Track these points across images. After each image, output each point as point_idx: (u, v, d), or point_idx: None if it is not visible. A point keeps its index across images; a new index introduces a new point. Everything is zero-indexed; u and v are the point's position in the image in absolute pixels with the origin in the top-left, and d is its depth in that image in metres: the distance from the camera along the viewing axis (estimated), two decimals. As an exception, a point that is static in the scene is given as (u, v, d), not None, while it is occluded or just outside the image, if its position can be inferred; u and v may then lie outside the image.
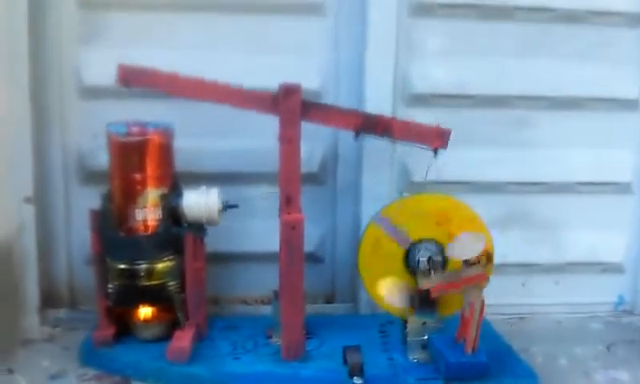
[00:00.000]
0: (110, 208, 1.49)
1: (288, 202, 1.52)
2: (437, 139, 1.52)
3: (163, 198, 1.49)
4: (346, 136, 1.77)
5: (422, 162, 1.69)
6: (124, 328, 1.58)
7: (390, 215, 1.52)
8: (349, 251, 1.87)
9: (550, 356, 1.69)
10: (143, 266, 1.49)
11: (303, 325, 1.48)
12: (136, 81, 1.47)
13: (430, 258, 1.47)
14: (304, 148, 1.50)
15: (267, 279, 1.80)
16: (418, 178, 1.76)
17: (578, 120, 1.83)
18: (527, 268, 1.90)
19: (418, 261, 1.48)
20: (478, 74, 1.77)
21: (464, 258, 1.39)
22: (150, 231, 1.49)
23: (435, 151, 1.53)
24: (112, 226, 1.49)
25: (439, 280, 1.42)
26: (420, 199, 1.58)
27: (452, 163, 1.66)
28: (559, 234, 1.89)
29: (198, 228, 1.53)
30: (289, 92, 1.46)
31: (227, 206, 1.55)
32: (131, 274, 1.49)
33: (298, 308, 1.46)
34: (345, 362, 1.45)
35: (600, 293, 1.93)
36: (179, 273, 1.54)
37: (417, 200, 1.59)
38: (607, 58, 1.80)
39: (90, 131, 1.71)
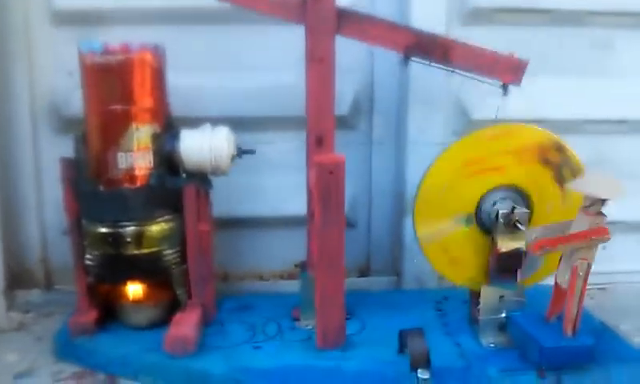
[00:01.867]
0: (85, 154, 1.13)
1: (320, 143, 1.16)
2: (509, 72, 1.17)
3: (155, 138, 1.13)
4: (384, 68, 1.43)
5: (482, 97, 1.34)
6: (109, 312, 1.23)
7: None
8: (390, 213, 1.51)
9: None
10: (130, 229, 1.13)
11: (344, 303, 1.12)
12: None
13: (513, 209, 1.11)
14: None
15: (288, 249, 1.48)
16: (479, 116, 1.39)
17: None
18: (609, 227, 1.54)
19: (497, 214, 1.12)
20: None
21: (595, 197, 1.01)
22: (138, 183, 1.13)
23: (505, 87, 1.18)
24: (89, 178, 1.13)
25: (541, 233, 1.05)
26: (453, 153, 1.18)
27: (521, 96, 1.29)
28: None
29: (202, 179, 1.17)
30: (320, -6, 1.09)
31: (242, 152, 1.19)
32: (115, 240, 1.13)
33: (338, 281, 1.10)
34: (401, 349, 1.10)
35: None
36: (178, 238, 1.18)
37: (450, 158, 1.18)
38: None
39: (64, 67, 1.34)
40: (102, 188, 1.12)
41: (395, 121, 1.47)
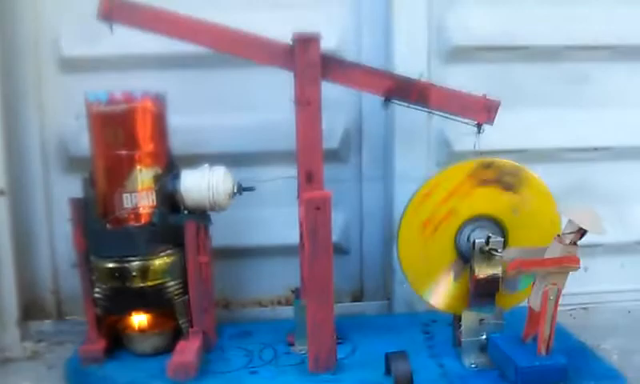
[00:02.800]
0: (92, 194, 1.22)
1: (309, 179, 1.25)
2: (483, 112, 1.26)
3: (157, 179, 1.22)
4: (372, 105, 1.51)
5: (464, 129, 1.43)
6: (117, 341, 1.31)
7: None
8: (379, 241, 1.60)
9: (626, 351, 1.42)
10: (136, 264, 1.22)
11: (334, 329, 1.20)
12: (122, 15, 1.18)
13: (488, 238, 1.19)
14: (322, 120, 1.24)
15: (285, 276, 1.58)
16: (460, 148, 1.48)
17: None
18: (590, 250, 1.61)
19: (474, 242, 1.20)
20: (528, 22, 1.48)
21: (584, 228, 1.10)
22: (142, 221, 1.22)
23: (479, 126, 1.27)
24: (96, 217, 1.22)
25: (517, 255, 1.14)
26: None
27: (500, 128, 1.37)
28: (624, 207, 1.61)
29: (201, 215, 1.26)
30: (307, 42, 1.19)
31: (242, 189, 1.28)
32: (122, 275, 1.22)
33: (327, 308, 1.18)
34: (388, 371, 1.17)
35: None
36: (180, 271, 1.27)
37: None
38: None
39: (72, 110, 1.44)
40: (108, 226, 1.21)
41: (382, 154, 1.56)
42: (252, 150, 1.52)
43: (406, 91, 1.24)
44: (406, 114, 1.45)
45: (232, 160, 1.42)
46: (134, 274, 1.22)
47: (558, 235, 1.12)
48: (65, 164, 1.52)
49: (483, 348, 1.24)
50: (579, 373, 1.17)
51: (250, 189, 1.30)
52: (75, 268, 1.41)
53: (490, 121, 1.26)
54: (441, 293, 1.28)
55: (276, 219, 1.55)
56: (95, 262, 1.24)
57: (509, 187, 1.24)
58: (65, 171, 1.53)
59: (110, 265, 1.23)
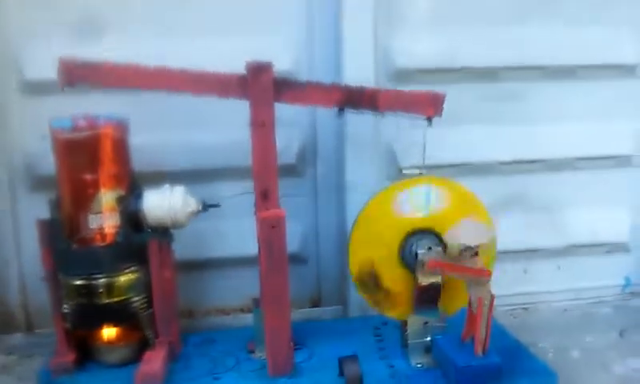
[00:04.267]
0: (59, 216, 1.29)
1: (265, 197, 1.34)
2: (430, 106, 1.35)
3: (120, 200, 1.30)
4: (325, 122, 1.62)
5: (410, 146, 1.55)
6: (86, 352, 1.38)
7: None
8: (334, 249, 1.71)
9: (561, 348, 1.56)
10: (102, 281, 1.30)
11: (290, 336, 1.30)
12: (82, 77, 1.26)
13: (429, 248, 1.30)
14: (279, 138, 1.32)
15: (247, 285, 1.64)
16: (406, 163, 1.60)
17: (572, 91, 1.69)
18: (528, 254, 1.75)
19: (416, 253, 1.31)
20: (466, 44, 1.60)
21: (465, 244, 1.22)
22: (107, 240, 1.29)
23: (429, 120, 1.36)
24: (63, 238, 1.29)
25: (438, 258, 1.26)
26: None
27: (441, 144, 1.48)
28: (559, 214, 1.75)
29: (163, 233, 1.34)
30: (259, 70, 1.28)
31: (208, 206, 1.36)
32: (89, 291, 1.30)
33: (283, 317, 1.28)
34: (341, 373, 1.28)
35: (605, 276, 1.80)
36: (144, 286, 1.35)
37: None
38: (602, 22, 1.66)
39: (36, 132, 1.51)
40: (75, 246, 1.29)
41: (335, 167, 1.66)
42: (211, 167, 1.61)
43: (356, 99, 1.33)
44: (356, 127, 1.57)
45: (193, 176, 1.51)
46: (101, 290, 1.29)
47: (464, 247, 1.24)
48: (31, 184, 1.58)
49: (428, 349, 1.35)
50: (513, 371, 1.30)
51: (215, 205, 1.39)
52: (43, 282, 1.49)
53: (438, 112, 1.34)
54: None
55: (236, 231, 1.63)
56: (63, 280, 1.31)
57: None
58: (31, 191, 1.58)
59: (78, 282, 1.30)
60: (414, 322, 1.35)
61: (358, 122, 1.51)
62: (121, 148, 1.31)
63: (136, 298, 1.34)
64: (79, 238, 1.29)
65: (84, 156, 1.26)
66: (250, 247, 1.48)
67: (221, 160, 1.60)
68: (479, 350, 1.25)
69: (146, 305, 1.35)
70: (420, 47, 1.58)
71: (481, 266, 1.23)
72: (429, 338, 1.35)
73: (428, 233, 1.34)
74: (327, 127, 1.64)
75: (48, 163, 1.48)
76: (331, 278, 1.73)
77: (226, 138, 1.59)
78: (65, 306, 1.32)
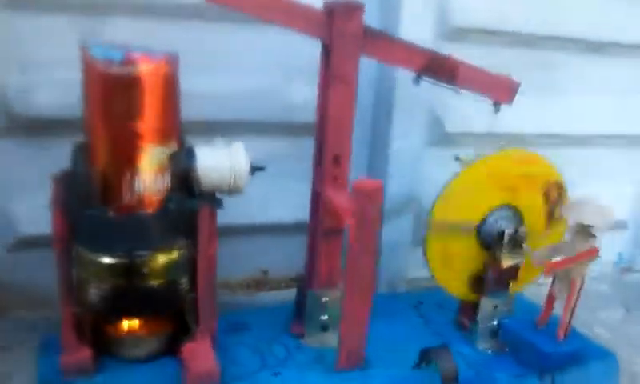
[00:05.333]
0: (91, 174, 0.98)
1: (337, 163, 1.14)
2: (505, 92, 1.26)
3: (173, 158, 1.02)
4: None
5: (453, 110, 1.43)
6: (100, 345, 1.10)
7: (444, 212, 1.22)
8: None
9: (584, 325, 1.55)
10: (147, 259, 1.02)
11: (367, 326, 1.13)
12: None
13: (516, 230, 1.20)
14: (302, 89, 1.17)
15: (251, 256, 1.46)
16: (451, 128, 1.48)
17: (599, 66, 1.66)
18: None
19: (500, 233, 1.20)
20: (515, 8, 1.50)
21: (591, 225, 1.13)
22: (154, 207, 1.01)
23: (497, 105, 1.26)
24: (96, 201, 0.98)
25: (548, 254, 1.16)
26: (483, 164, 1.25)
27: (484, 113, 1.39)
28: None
29: (214, 198, 1.09)
30: (349, 11, 1.06)
31: (254, 169, 1.12)
32: (129, 271, 1.01)
33: (367, 306, 1.11)
34: (418, 365, 1.14)
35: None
36: (189, 264, 1.09)
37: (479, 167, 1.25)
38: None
39: (14, 60, 1.15)
40: (112, 213, 0.99)
41: (375, 127, 1.49)
42: (235, 118, 1.36)
43: (440, 68, 1.18)
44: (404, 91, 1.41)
45: (212, 128, 1.26)
46: (145, 270, 1.02)
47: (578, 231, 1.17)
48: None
49: (494, 333, 1.26)
50: (580, 354, 1.25)
51: (261, 168, 1.15)
52: (10, 252, 1.16)
53: (510, 101, 1.26)
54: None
55: (248, 197, 1.40)
56: (89, 256, 1.01)
57: (550, 218, 1.29)
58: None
59: (114, 260, 1.00)
60: (486, 306, 1.25)
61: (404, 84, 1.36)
62: (174, 92, 1.02)
63: (183, 280, 1.08)
64: (119, 205, 0.99)
65: (135, 99, 0.96)
66: (260, 215, 1.36)
67: (245, 112, 1.36)
68: (562, 334, 1.19)
69: (189, 287, 1.10)
70: (475, 4, 1.45)
71: (591, 245, 1.15)
72: (496, 322, 1.27)
73: (507, 207, 1.24)
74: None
75: (33, 101, 1.15)
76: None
77: (252, 86, 1.34)
78: (92, 290, 1.02)
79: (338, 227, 1.19)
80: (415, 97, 1.41)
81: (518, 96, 1.35)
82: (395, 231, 1.50)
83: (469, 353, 1.25)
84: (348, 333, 1.12)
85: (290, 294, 1.40)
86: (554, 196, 1.27)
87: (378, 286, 1.53)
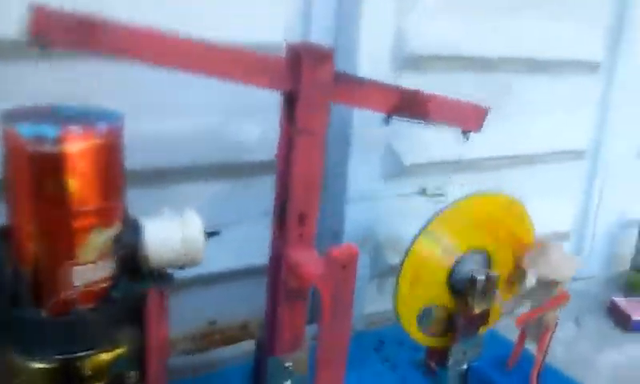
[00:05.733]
0: (19, 268, 0.82)
1: (301, 222, 1.03)
2: (474, 120, 1.19)
3: (117, 239, 0.87)
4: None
5: (411, 142, 1.37)
6: None
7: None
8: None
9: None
10: (88, 360, 0.86)
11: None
12: (63, 33, 0.78)
13: (488, 275, 1.15)
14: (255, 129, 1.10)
15: (197, 308, 1.34)
16: (409, 161, 1.41)
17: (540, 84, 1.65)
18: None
19: (472, 279, 1.15)
20: (469, 33, 1.44)
21: (557, 278, 1.11)
22: (96, 300, 0.86)
23: (466, 134, 1.20)
24: (27, 300, 0.82)
25: (516, 304, 1.12)
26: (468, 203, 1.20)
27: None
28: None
29: (166, 277, 0.95)
30: (320, 58, 0.95)
31: (208, 235, 0.98)
32: (67, 377, 0.86)
33: (340, 377, 1.01)
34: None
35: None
36: (138, 353, 0.94)
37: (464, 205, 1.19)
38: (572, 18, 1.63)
39: None
40: (45, 314, 0.83)
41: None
42: (173, 165, 1.21)
43: (411, 105, 1.09)
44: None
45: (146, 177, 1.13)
46: (86, 373, 0.87)
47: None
48: None
49: (464, 378, 1.22)
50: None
51: (216, 233, 1.02)
52: None
53: (479, 128, 1.19)
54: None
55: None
56: (21, 362, 0.85)
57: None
58: None
59: (49, 365, 0.85)
60: (457, 352, 1.20)
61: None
62: (117, 165, 0.87)
63: (132, 373, 0.93)
64: (54, 301, 0.83)
65: (69, 179, 0.80)
66: (205, 265, 1.19)
67: (188, 155, 1.21)
68: (535, 378, 1.16)
69: (139, 378, 0.95)
70: (432, 31, 1.36)
71: (560, 292, 1.12)
72: (465, 366, 1.22)
73: (479, 252, 1.19)
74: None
75: None
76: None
77: (194, 128, 1.20)
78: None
79: (303, 289, 1.08)
80: (371, 132, 1.33)
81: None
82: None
83: (440, 402, 1.20)
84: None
85: (243, 348, 1.30)
86: (523, 264, 1.22)
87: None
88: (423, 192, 1.29)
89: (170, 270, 0.95)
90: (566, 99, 1.66)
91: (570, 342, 1.59)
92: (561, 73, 1.63)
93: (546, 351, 1.17)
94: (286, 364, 1.11)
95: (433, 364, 1.26)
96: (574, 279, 1.89)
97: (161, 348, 0.97)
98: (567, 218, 1.85)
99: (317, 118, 0.98)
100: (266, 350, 1.13)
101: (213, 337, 1.40)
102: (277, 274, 1.09)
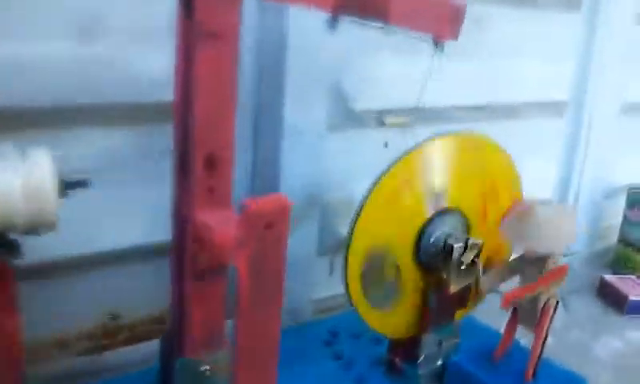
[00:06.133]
0: None
1: (211, 167, 0.73)
2: (448, 23, 0.89)
3: None
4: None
5: (362, 82, 1.09)
6: None
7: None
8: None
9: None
10: None
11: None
12: None
13: (467, 242, 0.87)
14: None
15: (93, 299, 1.03)
16: (357, 105, 1.12)
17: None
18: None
19: (446, 247, 0.87)
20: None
21: (549, 251, 0.84)
22: None
23: (439, 44, 0.90)
24: None
25: (499, 277, 0.85)
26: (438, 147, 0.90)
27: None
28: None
29: (9, 246, 0.64)
30: None
31: (71, 185, 0.67)
32: None
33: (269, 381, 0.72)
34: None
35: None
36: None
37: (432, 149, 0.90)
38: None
39: None
40: None
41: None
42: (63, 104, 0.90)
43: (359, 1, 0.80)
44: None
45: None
46: None
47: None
48: None
49: (440, 377, 0.94)
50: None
51: (82, 183, 0.70)
52: None
53: (455, 35, 0.89)
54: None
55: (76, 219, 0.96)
56: None
57: None
58: None
59: None
60: (430, 344, 0.92)
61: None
62: None
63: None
64: None
65: None
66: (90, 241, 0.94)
67: (65, 94, 0.89)
68: (531, 373, 0.90)
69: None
70: None
71: (558, 265, 0.85)
72: (440, 362, 0.95)
73: (452, 213, 0.91)
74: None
75: None
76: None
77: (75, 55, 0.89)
78: None
79: (217, 265, 0.78)
80: (313, 66, 1.04)
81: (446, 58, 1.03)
82: (295, 243, 1.12)
83: (410, 410, 0.92)
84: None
85: (156, 347, 1.00)
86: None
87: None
88: (386, 145, 1.02)
89: (12, 236, 0.65)
90: (545, 42, 1.40)
91: (559, 328, 1.33)
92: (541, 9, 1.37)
93: (544, 339, 0.90)
94: (202, 368, 0.81)
95: (398, 360, 0.98)
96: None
97: (8, 349, 0.67)
98: (547, 183, 1.59)
99: (224, 12, 0.68)
100: (172, 349, 0.83)
101: (118, 334, 1.09)
102: (181, 244, 0.79)
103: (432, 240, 0.88)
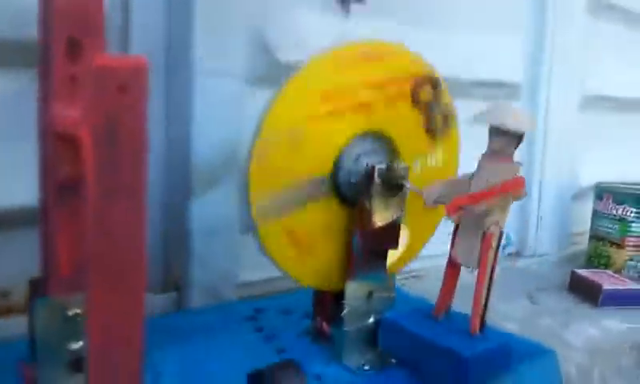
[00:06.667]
0: None
1: (73, 49, 0.62)
2: None
3: None
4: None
5: (288, 29, 1.00)
6: None
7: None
8: (160, 193, 1.00)
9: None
10: None
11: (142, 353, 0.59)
12: None
13: (390, 165, 0.75)
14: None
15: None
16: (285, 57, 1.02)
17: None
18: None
19: (367, 172, 0.75)
20: None
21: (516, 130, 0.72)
22: None
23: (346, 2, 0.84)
24: None
25: (444, 190, 0.73)
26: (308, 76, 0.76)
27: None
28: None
29: None
30: None
31: None
32: None
33: (136, 309, 0.57)
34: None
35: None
36: None
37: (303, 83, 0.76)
38: None
39: None
40: None
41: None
42: None
43: None
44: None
45: None
46: None
47: (494, 151, 0.75)
48: None
49: (372, 337, 0.80)
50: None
51: None
52: None
53: None
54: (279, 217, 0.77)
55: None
56: None
57: (431, 129, 0.83)
58: None
59: None
60: (355, 294, 0.78)
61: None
62: None
63: None
64: None
65: None
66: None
67: None
68: (476, 325, 0.75)
69: None
70: None
71: (513, 172, 0.73)
72: (372, 320, 0.80)
73: (367, 136, 0.79)
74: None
75: None
76: (152, 247, 1.02)
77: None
78: None
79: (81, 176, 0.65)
80: (227, 6, 0.95)
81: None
82: (211, 212, 0.99)
83: (333, 374, 0.76)
84: (101, 373, 0.57)
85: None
86: (428, 96, 0.83)
87: (188, 299, 1.00)
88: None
89: None
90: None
91: (526, 317, 1.19)
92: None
93: (490, 281, 0.76)
94: (70, 312, 0.67)
95: (324, 324, 0.83)
96: (524, 257, 1.55)
97: None
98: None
99: None
100: (40, 289, 0.69)
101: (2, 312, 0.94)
102: (46, 155, 0.66)
103: (348, 167, 0.76)
